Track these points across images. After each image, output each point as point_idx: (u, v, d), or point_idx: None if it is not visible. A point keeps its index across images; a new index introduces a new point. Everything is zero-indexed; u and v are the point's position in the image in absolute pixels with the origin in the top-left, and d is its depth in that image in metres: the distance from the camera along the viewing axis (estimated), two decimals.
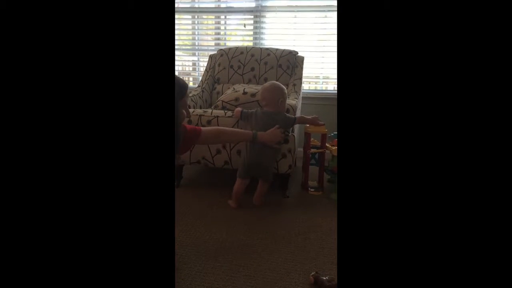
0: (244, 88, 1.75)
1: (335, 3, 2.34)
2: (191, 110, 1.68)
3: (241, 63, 2.13)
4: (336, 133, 1.86)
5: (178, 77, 1.06)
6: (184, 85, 1.04)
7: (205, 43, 2.69)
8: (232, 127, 1.61)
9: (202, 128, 1.33)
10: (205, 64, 2.28)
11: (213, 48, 2.57)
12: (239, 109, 1.62)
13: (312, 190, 1.74)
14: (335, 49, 2.41)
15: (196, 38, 2.65)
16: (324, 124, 1.74)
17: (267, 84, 1.60)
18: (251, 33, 2.50)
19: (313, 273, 0.98)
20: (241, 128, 1.58)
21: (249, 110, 1.59)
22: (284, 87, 1.59)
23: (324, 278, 0.95)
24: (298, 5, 2.39)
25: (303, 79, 2.17)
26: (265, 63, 2.10)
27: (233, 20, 2.62)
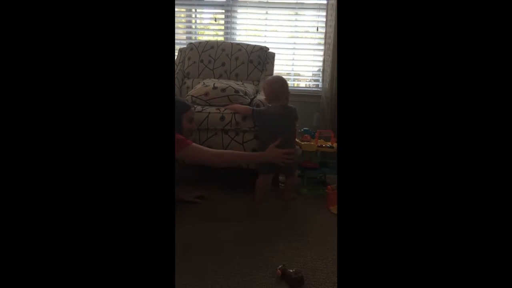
0: (214, 83, 1.73)
1: (306, 1, 2.37)
2: None
3: (211, 57, 2.10)
4: (306, 128, 1.89)
5: (179, 98, 1.36)
6: (184, 102, 1.37)
7: (175, 36, 2.62)
8: (203, 121, 1.59)
9: (193, 143, 1.34)
10: (175, 58, 2.22)
11: (184, 42, 2.51)
12: (248, 107, 1.58)
13: (282, 185, 1.76)
14: (306, 46, 2.45)
15: None
16: None
17: (273, 78, 1.61)
18: (223, 27, 2.47)
19: (280, 266, 0.99)
20: (257, 127, 1.57)
21: (261, 108, 1.57)
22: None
23: (291, 271, 0.97)
24: (269, 1, 2.39)
25: None
26: (236, 58, 2.09)
27: (205, 14, 2.58)
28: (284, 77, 1.66)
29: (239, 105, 1.62)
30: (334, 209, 1.49)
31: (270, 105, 1.57)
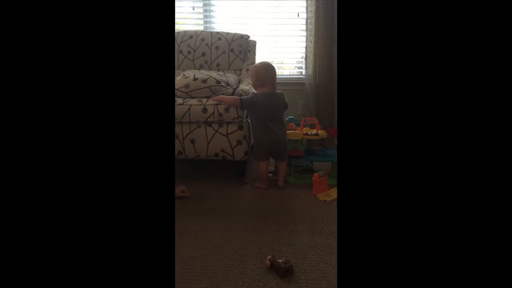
0: (195, 74, 1.68)
1: None
2: None
3: (191, 48, 2.04)
4: (291, 117, 1.87)
5: None
6: None
7: None
8: (185, 114, 1.54)
9: None
10: None
11: None
12: (235, 97, 1.56)
13: (270, 175, 1.75)
14: (288, 33, 2.41)
15: None
16: None
17: (259, 64, 1.61)
18: (201, 16, 2.40)
19: (269, 257, 0.99)
20: (244, 114, 1.56)
21: (247, 96, 1.56)
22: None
23: (280, 261, 0.96)
24: None
25: None
26: (217, 48, 2.03)
27: (183, 3, 2.49)
28: None
29: (225, 96, 1.59)
30: (321, 196, 1.49)
31: (256, 91, 1.56)
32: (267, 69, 1.56)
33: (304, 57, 2.38)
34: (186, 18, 2.47)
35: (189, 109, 1.55)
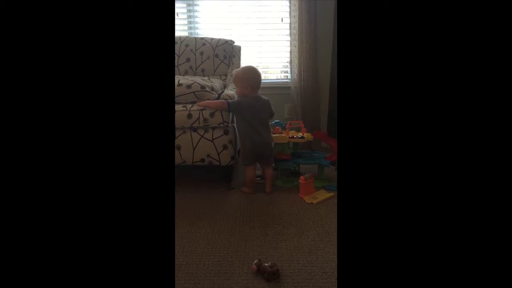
0: (179, 80, 1.67)
1: None
2: None
3: (175, 53, 2.03)
4: (277, 121, 1.88)
5: None
6: None
7: None
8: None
9: None
10: None
11: None
12: (222, 101, 1.55)
13: (257, 179, 1.75)
14: (272, 38, 2.43)
15: None
16: None
17: (243, 68, 1.61)
18: (185, 22, 2.40)
19: (255, 261, 0.98)
20: (230, 119, 1.55)
21: (233, 100, 1.56)
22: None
23: (266, 265, 0.96)
24: None
25: None
26: (201, 53, 2.03)
27: None
28: None
29: (210, 100, 1.58)
30: (307, 198, 1.49)
31: (240, 96, 1.56)
32: (253, 73, 1.56)
33: (289, 61, 2.40)
34: None
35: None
